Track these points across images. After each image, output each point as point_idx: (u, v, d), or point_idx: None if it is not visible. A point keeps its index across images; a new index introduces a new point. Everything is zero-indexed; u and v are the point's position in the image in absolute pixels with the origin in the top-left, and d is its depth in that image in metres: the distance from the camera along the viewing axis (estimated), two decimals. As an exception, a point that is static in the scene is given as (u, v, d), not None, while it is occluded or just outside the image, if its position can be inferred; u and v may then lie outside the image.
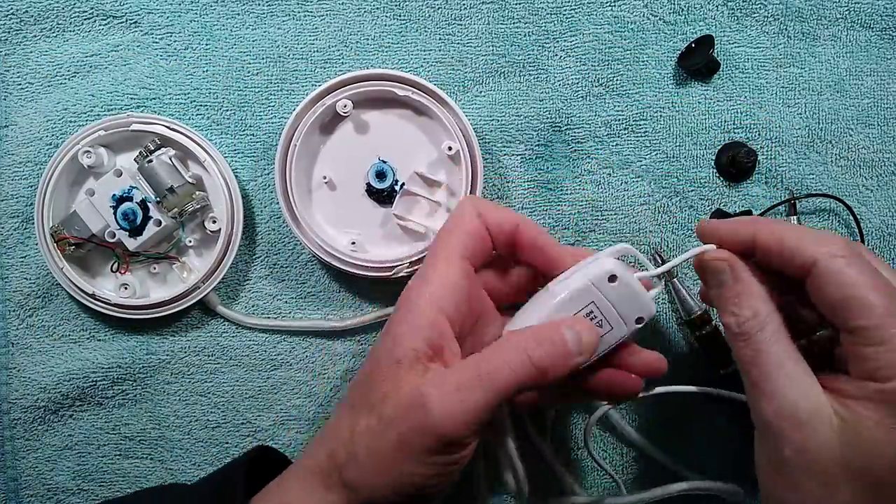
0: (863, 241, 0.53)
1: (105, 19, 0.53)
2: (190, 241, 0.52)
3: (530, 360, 0.36)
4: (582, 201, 0.53)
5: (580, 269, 0.40)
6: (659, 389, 0.48)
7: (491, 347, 0.37)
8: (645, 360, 0.42)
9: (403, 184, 0.51)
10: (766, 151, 0.53)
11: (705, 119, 0.53)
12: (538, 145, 0.53)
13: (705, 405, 0.54)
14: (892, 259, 0.53)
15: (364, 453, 0.36)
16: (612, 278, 0.39)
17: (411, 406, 0.35)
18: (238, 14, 0.53)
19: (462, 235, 0.40)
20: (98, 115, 0.52)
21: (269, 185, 0.53)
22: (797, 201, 0.53)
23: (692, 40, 0.53)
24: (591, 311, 0.39)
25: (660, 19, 0.53)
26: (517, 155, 0.53)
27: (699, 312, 0.52)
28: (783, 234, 0.36)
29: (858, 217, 0.53)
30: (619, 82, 0.53)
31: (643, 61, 0.53)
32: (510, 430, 0.40)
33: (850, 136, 0.53)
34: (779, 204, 0.53)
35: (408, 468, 0.36)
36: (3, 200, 0.53)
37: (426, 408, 0.35)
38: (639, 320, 0.40)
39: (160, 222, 0.50)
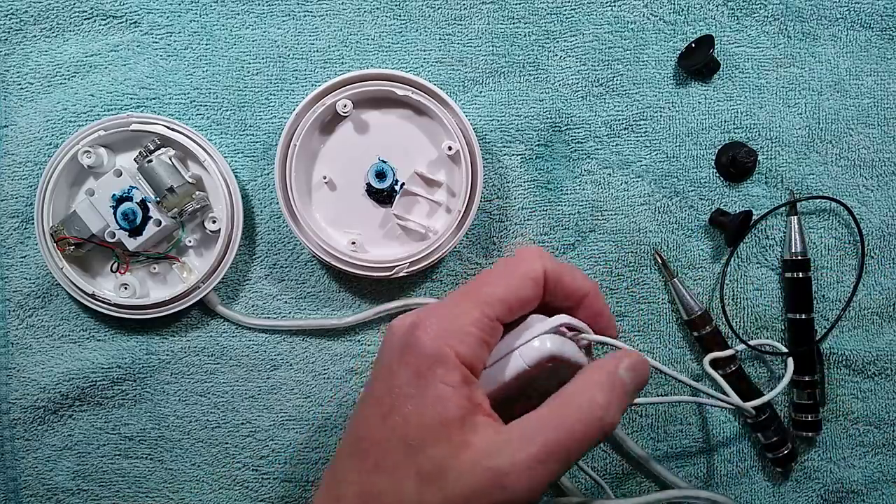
0: (861, 240, 0.53)
1: (105, 19, 0.53)
2: (190, 241, 0.52)
3: (601, 420, 0.34)
4: (582, 201, 0.53)
5: (530, 337, 0.39)
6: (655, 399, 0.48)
7: (557, 410, 0.35)
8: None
9: (403, 184, 0.51)
10: (766, 151, 0.53)
11: (705, 119, 0.53)
12: (538, 145, 0.53)
13: (697, 412, 0.54)
14: (893, 259, 0.53)
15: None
16: (552, 359, 0.38)
17: (487, 485, 0.33)
18: (238, 14, 0.53)
19: (514, 290, 0.38)
20: (98, 115, 0.52)
21: (269, 185, 0.53)
22: (797, 202, 0.53)
23: (692, 40, 0.53)
24: (525, 390, 0.39)
25: (660, 19, 0.53)
26: (517, 155, 0.53)
27: (699, 312, 0.52)
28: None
29: (858, 217, 0.53)
30: (619, 82, 0.53)
31: (643, 61, 0.53)
32: None
33: (851, 136, 0.53)
34: (780, 207, 0.53)
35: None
36: (2, 200, 0.53)
37: (505, 488, 0.32)
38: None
39: (160, 222, 0.50)
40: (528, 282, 0.38)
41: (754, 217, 0.52)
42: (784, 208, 0.53)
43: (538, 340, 0.38)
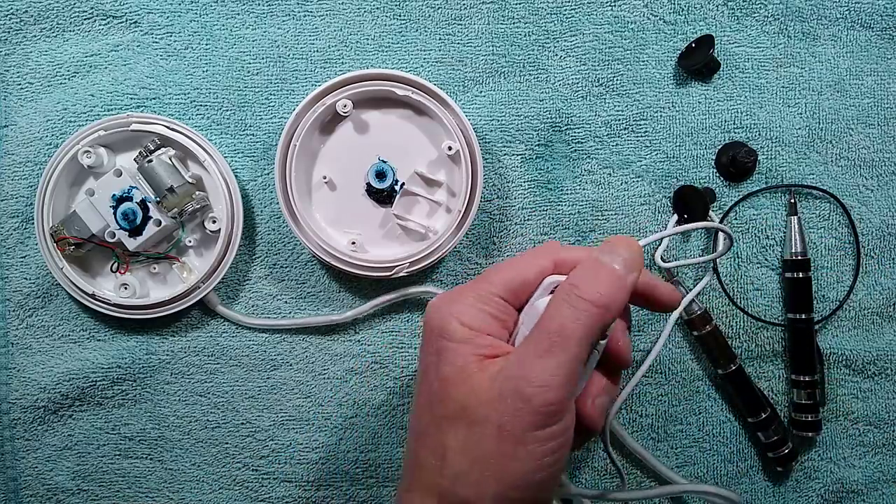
0: (856, 235, 0.53)
1: (105, 19, 0.53)
2: (190, 241, 0.52)
3: (589, 303, 0.35)
4: (582, 201, 0.53)
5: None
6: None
7: (546, 311, 0.36)
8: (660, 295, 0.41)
9: (403, 184, 0.51)
10: (766, 151, 0.53)
11: (705, 119, 0.53)
12: (538, 145, 0.53)
13: (702, 406, 0.54)
14: (893, 259, 0.53)
15: (467, 467, 0.35)
16: None
17: (502, 394, 0.34)
18: (238, 14, 0.53)
19: (513, 272, 0.38)
20: (98, 114, 0.52)
21: (269, 185, 0.53)
22: (797, 202, 0.53)
23: (692, 40, 0.53)
24: None
25: (660, 19, 0.53)
26: (517, 155, 0.53)
27: (699, 312, 0.52)
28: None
29: (858, 217, 0.53)
30: (619, 82, 0.53)
31: (643, 61, 0.53)
32: None
33: (850, 136, 0.53)
34: (769, 188, 0.53)
35: (517, 460, 0.34)
36: (2, 200, 0.53)
37: (518, 388, 0.34)
38: (603, 337, 0.38)
39: (160, 222, 0.50)
40: (531, 266, 0.39)
41: (754, 217, 0.53)
42: (784, 206, 0.53)
43: (538, 302, 0.38)
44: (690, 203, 0.52)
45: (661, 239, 0.40)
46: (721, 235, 0.52)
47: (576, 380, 0.35)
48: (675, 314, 0.51)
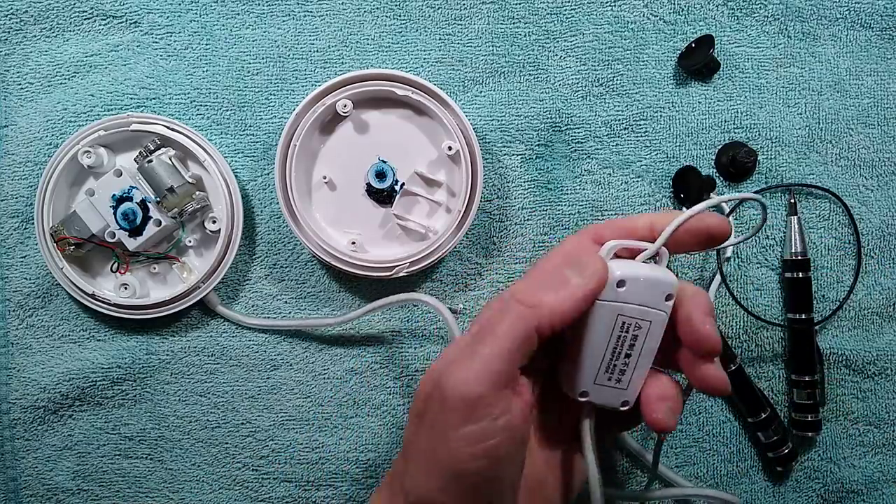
0: (857, 235, 0.53)
1: (105, 19, 0.53)
2: (190, 241, 0.52)
3: (519, 301, 0.35)
4: (582, 201, 0.53)
5: None
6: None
7: (487, 303, 0.37)
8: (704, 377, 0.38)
9: (403, 184, 0.51)
10: (766, 151, 0.53)
11: (705, 119, 0.53)
12: (538, 145, 0.53)
13: (702, 406, 0.54)
14: (893, 259, 0.53)
15: (411, 456, 0.36)
16: (621, 283, 0.37)
17: (431, 391, 0.35)
18: (238, 14, 0.53)
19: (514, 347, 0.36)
20: (98, 115, 0.52)
21: (269, 185, 0.53)
22: (797, 202, 0.53)
23: (692, 40, 0.53)
24: (624, 323, 0.37)
25: (660, 19, 0.53)
26: (517, 155, 0.53)
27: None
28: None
29: (858, 217, 0.53)
30: (619, 82, 0.53)
31: (643, 61, 0.53)
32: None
33: (850, 136, 0.53)
34: (770, 188, 0.53)
35: (446, 452, 0.34)
36: (3, 200, 0.53)
37: (440, 383, 0.34)
38: (668, 297, 0.37)
39: (160, 222, 0.50)
40: (523, 341, 0.36)
41: (754, 217, 0.53)
42: (784, 207, 0.53)
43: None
44: (689, 184, 0.52)
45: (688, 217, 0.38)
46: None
47: (501, 377, 0.34)
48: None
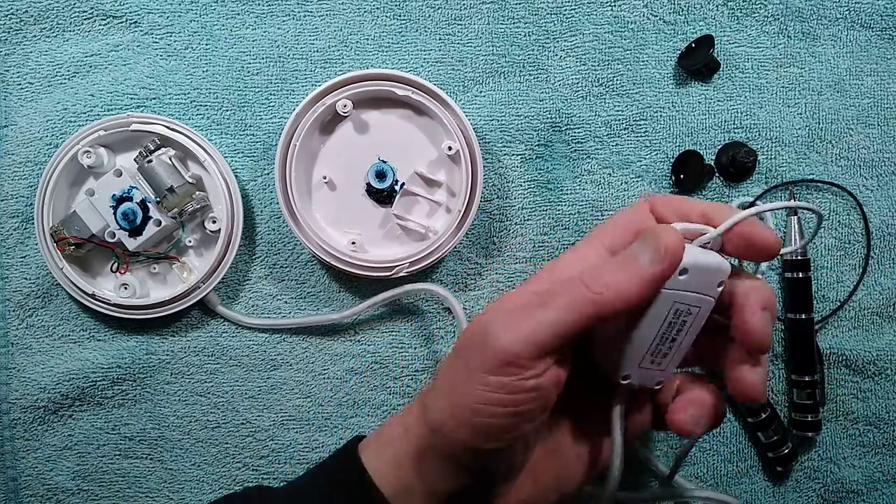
0: (868, 235, 0.53)
1: (105, 19, 0.53)
2: (190, 241, 0.52)
3: (586, 285, 0.35)
4: (582, 201, 0.53)
5: None
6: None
7: (560, 280, 0.36)
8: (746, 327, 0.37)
9: (403, 184, 0.51)
10: (766, 151, 0.53)
11: (705, 119, 0.53)
12: (538, 145, 0.53)
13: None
14: (893, 259, 0.53)
15: (440, 383, 0.38)
16: (683, 272, 0.36)
17: (475, 332, 0.36)
18: (238, 14, 0.53)
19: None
20: (98, 115, 0.52)
21: (269, 185, 0.53)
22: (797, 201, 0.53)
23: (692, 40, 0.53)
24: (678, 310, 0.36)
25: (660, 19, 0.53)
26: (517, 155, 0.53)
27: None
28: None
29: (857, 215, 0.53)
30: (619, 82, 0.53)
31: (643, 61, 0.53)
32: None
33: (850, 136, 0.53)
34: (774, 188, 0.53)
35: (470, 390, 0.35)
36: (3, 200, 0.53)
37: (486, 329, 0.35)
38: (720, 284, 0.37)
39: (160, 222, 0.50)
40: (576, 325, 0.35)
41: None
42: (782, 196, 0.53)
43: None
44: (689, 168, 0.52)
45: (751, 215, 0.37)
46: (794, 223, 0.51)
47: (547, 346, 0.34)
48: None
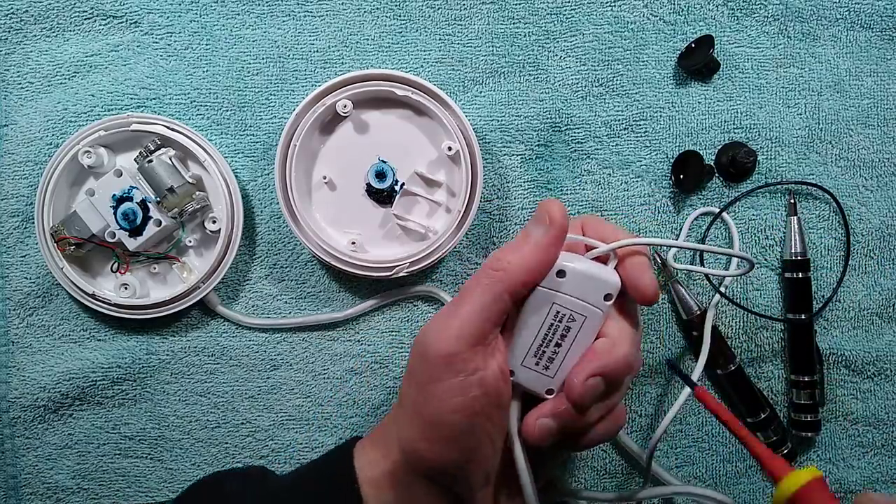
0: (847, 233, 0.53)
1: (105, 19, 0.53)
2: (190, 241, 0.52)
3: (489, 266, 0.38)
4: (582, 201, 0.53)
5: None
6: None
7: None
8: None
9: (403, 184, 0.51)
10: (766, 151, 0.53)
11: (705, 119, 0.53)
12: (538, 145, 0.53)
13: (702, 407, 0.54)
14: (892, 259, 0.53)
15: (404, 410, 0.40)
16: (561, 273, 0.39)
17: (415, 351, 0.39)
18: (238, 14, 0.53)
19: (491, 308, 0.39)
20: (98, 114, 0.52)
21: (269, 185, 0.53)
22: (797, 202, 0.53)
23: (692, 40, 0.53)
24: (558, 312, 0.39)
25: (660, 19, 0.53)
26: (517, 155, 0.53)
27: (699, 312, 0.52)
28: None
29: (858, 218, 0.53)
30: (619, 82, 0.53)
31: (643, 61, 0.53)
32: (528, 471, 0.40)
33: (850, 136, 0.53)
34: (761, 187, 0.53)
35: (427, 405, 0.37)
36: (3, 199, 0.53)
37: (422, 343, 0.38)
38: (607, 297, 0.39)
39: (160, 222, 0.50)
40: (493, 302, 0.38)
41: (754, 217, 0.53)
42: (784, 207, 0.53)
43: None
44: (689, 168, 0.52)
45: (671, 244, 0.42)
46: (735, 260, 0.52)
47: (476, 334, 0.37)
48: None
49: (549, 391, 0.40)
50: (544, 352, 0.39)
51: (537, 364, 0.40)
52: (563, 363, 0.39)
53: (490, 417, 0.38)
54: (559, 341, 0.39)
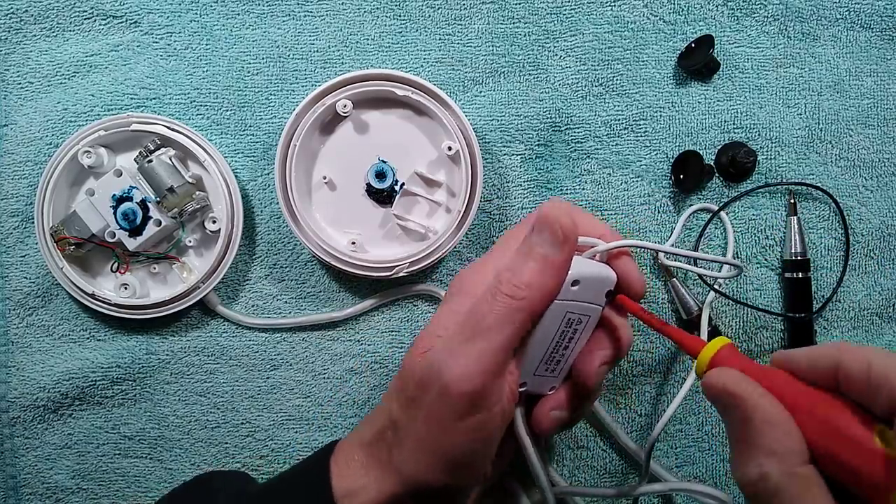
0: (847, 233, 0.53)
1: (105, 19, 0.53)
2: (190, 241, 0.52)
3: (508, 297, 0.36)
4: (582, 201, 0.53)
5: None
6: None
7: (477, 300, 0.37)
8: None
9: (403, 184, 0.51)
10: (766, 151, 0.53)
11: (705, 119, 0.53)
12: (538, 145, 0.53)
13: (701, 406, 0.54)
14: (892, 259, 0.53)
15: (405, 439, 0.37)
16: (575, 283, 0.38)
17: (426, 379, 0.36)
18: (238, 14, 0.53)
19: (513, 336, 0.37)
20: (98, 114, 0.52)
21: (269, 185, 0.53)
22: (797, 202, 0.53)
23: (692, 40, 0.53)
24: (570, 319, 0.39)
25: (660, 19, 0.53)
26: (517, 155, 0.53)
27: (698, 312, 0.52)
28: (871, 361, 0.28)
29: (858, 218, 0.53)
30: (619, 82, 0.53)
31: (643, 61, 0.53)
32: (531, 444, 0.40)
33: (850, 136, 0.53)
34: (759, 187, 0.53)
35: (445, 440, 0.36)
36: (3, 199, 0.53)
37: (439, 376, 0.35)
38: (608, 293, 0.40)
39: (160, 222, 0.50)
40: (518, 333, 0.37)
41: (754, 217, 0.53)
42: (784, 207, 0.53)
43: None
44: (688, 168, 0.52)
45: (664, 240, 0.43)
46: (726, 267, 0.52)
47: (499, 368, 0.36)
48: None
49: (552, 388, 0.41)
50: (553, 356, 0.40)
51: (546, 370, 0.40)
52: (567, 361, 0.40)
53: (499, 439, 0.38)
54: (567, 344, 0.40)
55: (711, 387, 0.32)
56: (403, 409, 0.38)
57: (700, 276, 0.53)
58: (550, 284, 0.36)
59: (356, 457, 0.39)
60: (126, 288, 0.51)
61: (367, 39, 0.53)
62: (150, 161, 0.49)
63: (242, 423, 0.54)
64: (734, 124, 0.53)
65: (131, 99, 0.53)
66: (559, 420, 0.41)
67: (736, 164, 0.52)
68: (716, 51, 0.52)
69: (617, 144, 0.53)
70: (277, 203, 0.50)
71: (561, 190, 0.53)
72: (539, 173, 0.53)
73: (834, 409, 0.29)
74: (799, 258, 0.52)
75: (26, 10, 0.53)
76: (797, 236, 0.52)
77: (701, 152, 0.52)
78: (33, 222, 0.51)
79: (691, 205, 0.53)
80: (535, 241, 0.37)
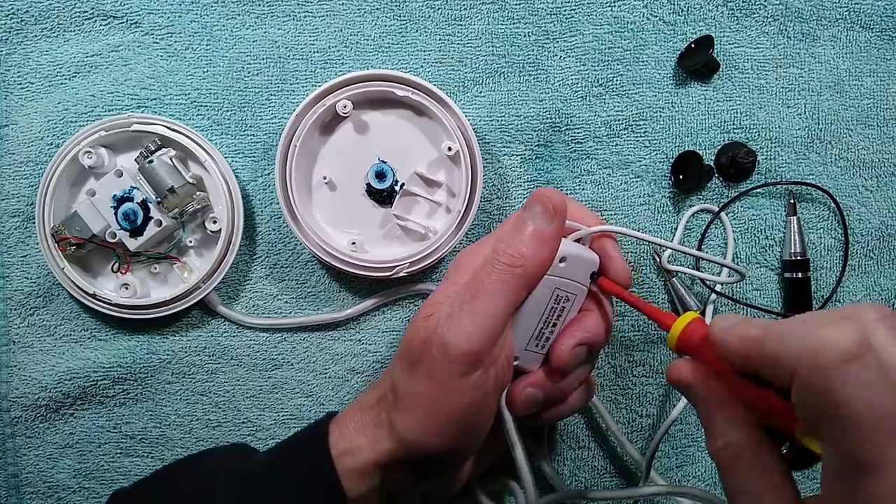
0: (846, 233, 0.53)
1: (105, 19, 0.53)
2: (190, 242, 0.52)
3: (506, 265, 0.39)
4: (582, 201, 0.53)
5: None
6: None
7: (476, 268, 0.40)
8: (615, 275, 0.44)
9: (403, 184, 0.51)
10: (766, 151, 0.53)
11: (705, 119, 0.53)
12: (538, 145, 0.53)
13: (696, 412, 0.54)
14: (892, 259, 0.54)
15: (405, 399, 0.39)
16: (563, 259, 0.41)
17: (428, 343, 0.38)
18: (238, 14, 0.53)
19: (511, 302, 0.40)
20: (99, 115, 0.52)
21: (269, 185, 0.53)
22: (797, 202, 0.53)
23: (692, 40, 0.53)
24: (558, 295, 0.42)
25: (660, 19, 0.53)
26: (517, 155, 0.53)
27: (698, 312, 0.52)
28: (766, 336, 0.30)
29: (858, 218, 0.53)
30: (619, 82, 0.53)
31: (643, 61, 0.53)
32: (519, 442, 0.41)
33: (850, 136, 0.53)
34: (757, 187, 0.53)
35: (443, 400, 0.38)
36: (3, 199, 0.53)
37: (441, 339, 0.38)
38: (593, 275, 0.43)
39: (161, 222, 0.50)
40: (516, 298, 0.40)
41: (754, 217, 0.53)
42: (784, 205, 0.53)
43: None
44: (688, 168, 0.52)
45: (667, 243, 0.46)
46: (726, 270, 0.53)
47: (497, 332, 0.38)
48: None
49: (537, 364, 0.43)
50: (543, 333, 0.42)
51: (537, 345, 0.42)
52: (552, 339, 0.42)
53: (497, 399, 0.40)
54: (555, 321, 0.42)
55: (671, 381, 0.36)
56: (405, 372, 0.39)
57: (701, 280, 0.53)
58: (543, 254, 0.39)
59: (356, 419, 0.41)
60: (127, 288, 0.51)
61: (367, 40, 0.53)
62: (151, 161, 0.50)
63: (244, 423, 0.54)
64: (734, 124, 0.53)
65: (132, 99, 0.53)
66: (532, 397, 0.42)
67: (736, 164, 0.52)
68: (716, 51, 0.52)
69: (617, 145, 0.53)
70: (278, 203, 0.50)
71: (561, 190, 0.53)
72: (539, 173, 0.53)
73: (749, 387, 0.33)
74: (799, 258, 0.52)
75: (27, 11, 0.53)
76: (797, 236, 0.52)
77: (701, 152, 0.52)
78: (34, 222, 0.52)
79: (691, 205, 0.53)
80: (528, 216, 0.40)
